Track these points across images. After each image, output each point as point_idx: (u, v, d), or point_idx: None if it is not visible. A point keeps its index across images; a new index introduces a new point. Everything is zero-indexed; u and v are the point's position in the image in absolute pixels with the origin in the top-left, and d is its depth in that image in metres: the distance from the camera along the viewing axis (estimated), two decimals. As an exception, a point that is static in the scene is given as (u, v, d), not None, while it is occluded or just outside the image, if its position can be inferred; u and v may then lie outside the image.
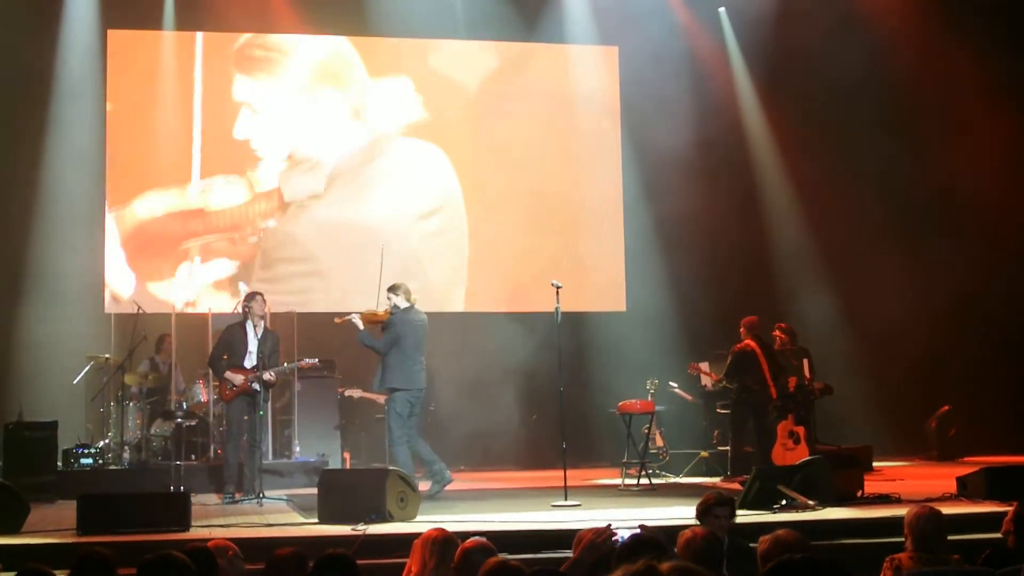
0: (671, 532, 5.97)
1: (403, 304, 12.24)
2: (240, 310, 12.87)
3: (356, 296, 14.33)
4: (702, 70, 17.21)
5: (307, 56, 16.69)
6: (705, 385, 14.53)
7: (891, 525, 9.49)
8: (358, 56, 16.77)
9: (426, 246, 16.69)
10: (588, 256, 17.03)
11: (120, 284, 15.87)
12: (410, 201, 16.68)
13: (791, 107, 17.03)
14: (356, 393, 14.45)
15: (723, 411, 14.37)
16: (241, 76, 16.44)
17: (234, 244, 16.23)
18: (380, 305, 12.46)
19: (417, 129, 16.79)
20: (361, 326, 12.27)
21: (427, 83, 16.88)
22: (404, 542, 7.46)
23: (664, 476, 13.91)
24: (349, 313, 12.36)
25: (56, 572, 5.18)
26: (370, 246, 14.89)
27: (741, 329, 13.95)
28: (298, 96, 16.61)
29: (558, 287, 11.71)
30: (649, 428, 13.64)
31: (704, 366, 14.15)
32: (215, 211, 16.23)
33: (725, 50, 17.46)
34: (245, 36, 16.44)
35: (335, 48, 16.79)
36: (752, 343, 13.72)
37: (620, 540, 5.40)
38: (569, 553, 5.41)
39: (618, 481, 13.28)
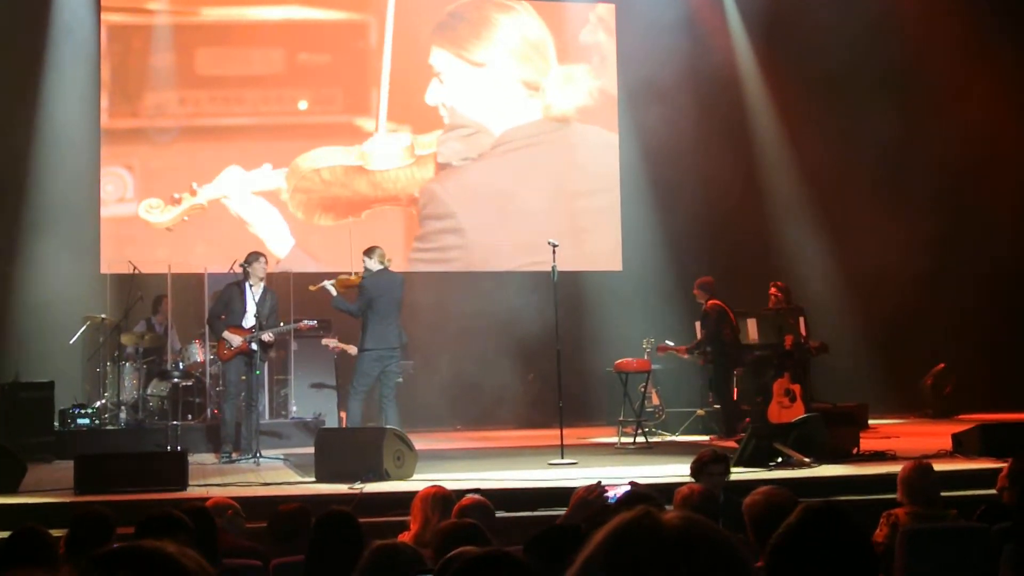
0: (666, 489, 5.99)
1: (376, 267, 12.34)
2: (239, 269, 12.85)
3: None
4: (700, 30, 17.11)
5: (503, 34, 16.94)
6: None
7: (886, 482, 9.52)
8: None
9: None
10: (584, 215, 17.01)
11: (277, 241, 16.04)
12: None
13: (789, 68, 16.96)
14: (332, 343, 14.43)
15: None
16: (437, 48, 16.72)
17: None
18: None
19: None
20: (334, 292, 12.42)
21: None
22: (401, 500, 7.52)
23: (660, 434, 13.95)
24: (324, 281, 12.52)
25: (53, 531, 5.20)
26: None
27: (697, 290, 14.11)
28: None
29: (555, 246, 11.71)
30: (645, 386, 13.68)
31: (670, 344, 14.12)
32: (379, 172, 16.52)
33: (723, 10, 17.35)
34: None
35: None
36: (718, 301, 13.88)
37: (611, 498, 5.44)
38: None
39: (615, 440, 13.32)
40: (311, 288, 12.56)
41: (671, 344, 14.14)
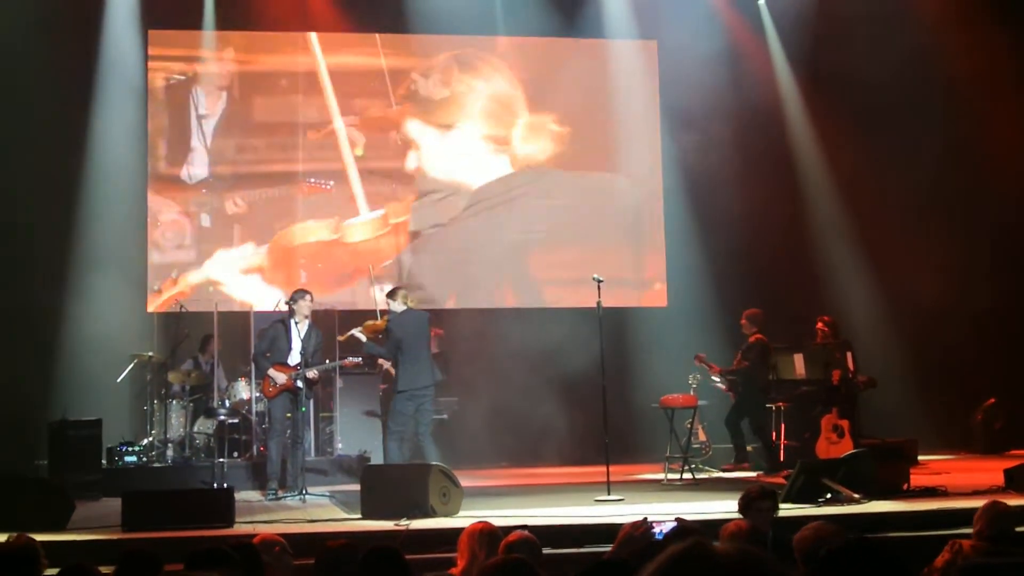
0: (714, 526, 5.94)
1: (400, 308, 12.43)
2: (284, 308, 12.92)
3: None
4: (742, 62, 17.09)
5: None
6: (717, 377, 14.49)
7: (938, 518, 9.44)
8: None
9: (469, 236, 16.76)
10: (629, 251, 16.98)
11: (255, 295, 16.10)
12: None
13: (832, 98, 16.88)
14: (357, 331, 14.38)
15: (766, 405, 14.31)
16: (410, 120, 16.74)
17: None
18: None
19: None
20: (363, 338, 12.63)
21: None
22: (447, 537, 7.49)
23: (707, 471, 13.84)
24: (352, 329, 12.75)
25: (102, 568, 5.21)
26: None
27: (744, 320, 14.11)
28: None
29: (600, 281, 11.71)
30: (692, 422, 13.61)
31: (703, 357, 14.07)
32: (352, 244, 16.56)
33: (765, 42, 17.32)
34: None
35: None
36: (763, 336, 13.92)
37: (658, 534, 5.41)
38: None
39: (661, 476, 13.24)
40: (340, 339, 12.70)
41: (707, 361, 14.04)
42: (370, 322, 12.88)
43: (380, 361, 13.32)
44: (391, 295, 12.61)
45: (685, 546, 1.82)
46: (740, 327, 14.32)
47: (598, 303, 11.77)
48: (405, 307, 12.46)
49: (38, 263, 14.84)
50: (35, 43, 14.55)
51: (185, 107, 16.21)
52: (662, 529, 5.65)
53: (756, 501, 6.71)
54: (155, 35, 16.04)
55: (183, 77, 16.24)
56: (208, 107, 16.25)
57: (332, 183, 16.38)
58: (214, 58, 16.29)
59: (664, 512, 9.02)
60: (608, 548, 5.77)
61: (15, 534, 5.90)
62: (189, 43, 16.26)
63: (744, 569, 1.80)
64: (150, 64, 16.00)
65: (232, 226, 16.21)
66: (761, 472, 13.68)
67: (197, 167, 16.19)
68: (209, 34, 16.16)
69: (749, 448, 14.24)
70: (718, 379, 14.26)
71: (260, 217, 16.25)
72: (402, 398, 12.25)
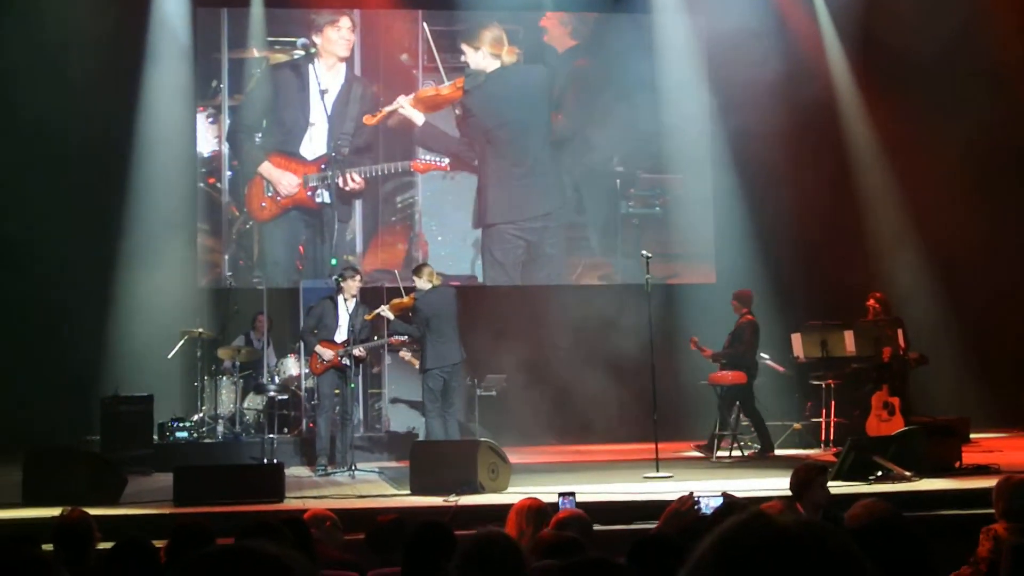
0: (762, 503, 5.89)
1: (426, 286, 12.46)
2: (333, 283, 12.96)
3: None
4: (792, 39, 16.90)
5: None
6: (797, 356, 14.34)
7: (991, 496, 9.34)
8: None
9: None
10: (678, 228, 16.90)
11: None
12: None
13: (884, 74, 16.66)
14: (407, 355, 14.48)
15: (816, 382, 14.21)
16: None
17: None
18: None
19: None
20: (391, 316, 12.63)
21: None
22: (496, 513, 7.48)
23: (756, 448, 13.76)
24: (378, 308, 12.73)
25: (154, 542, 5.25)
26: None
27: (734, 301, 13.99)
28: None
29: (648, 257, 11.68)
30: (740, 399, 13.53)
31: (696, 341, 13.85)
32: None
33: (815, 16, 17.12)
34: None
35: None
36: (753, 317, 13.82)
37: (703, 509, 5.39)
38: (662, 524, 5.37)
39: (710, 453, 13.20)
40: (367, 318, 12.68)
41: (700, 345, 13.82)
42: (396, 300, 12.88)
43: (395, 340, 13.28)
44: (416, 272, 12.63)
45: (745, 516, 1.79)
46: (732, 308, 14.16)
47: (647, 279, 11.74)
48: (431, 284, 12.48)
49: (89, 239, 14.93)
50: (88, 26, 14.63)
51: (290, 84, 16.38)
52: (709, 504, 5.62)
53: (818, 477, 6.64)
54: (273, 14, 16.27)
55: (303, 54, 16.36)
56: (327, 83, 16.38)
57: (447, 160, 16.43)
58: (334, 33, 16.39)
59: (712, 489, 8.98)
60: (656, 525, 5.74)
61: (69, 508, 5.95)
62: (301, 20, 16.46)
63: (806, 537, 1.77)
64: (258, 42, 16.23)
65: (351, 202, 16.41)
66: (815, 450, 13.60)
67: (316, 143, 16.35)
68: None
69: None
70: (713, 361, 14.04)
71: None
72: (431, 375, 12.28)
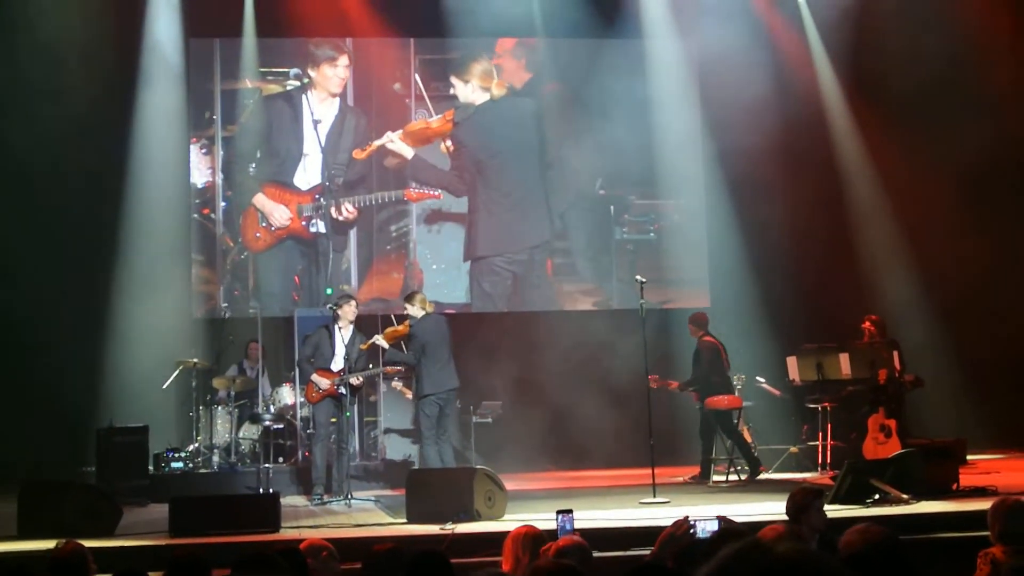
0: (760, 528, 5.88)
1: (419, 313, 12.50)
2: (329, 311, 12.97)
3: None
4: (782, 62, 16.96)
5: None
6: (793, 380, 14.32)
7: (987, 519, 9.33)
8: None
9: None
10: (671, 251, 16.92)
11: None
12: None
13: (874, 97, 16.71)
14: (398, 386, 14.51)
15: (812, 405, 14.19)
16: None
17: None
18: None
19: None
20: (386, 345, 12.63)
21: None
22: (493, 541, 7.46)
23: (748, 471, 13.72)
24: (373, 338, 12.70)
25: (150, 574, 5.23)
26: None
27: (691, 325, 13.95)
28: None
29: (642, 282, 11.69)
30: (737, 423, 13.51)
31: (656, 378, 13.59)
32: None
33: (806, 40, 17.17)
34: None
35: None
36: (711, 338, 13.74)
37: (699, 533, 5.37)
38: (658, 551, 5.35)
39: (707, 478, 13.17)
40: (362, 347, 12.67)
41: (656, 378, 13.36)
42: (391, 329, 12.88)
43: (390, 370, 13.26)
44: (409, 300, 12.65)
45: (743, 545, 1.79)
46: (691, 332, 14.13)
47: (641, 304, 11.74)
48: (424, 311, 12.51)
49: (84, 269, 14.92)
50: (80, 50, 14.67)
51: (283, 115, 16.44)
52: (705, 528, 5.61)
53: (815, 501, 6.61)
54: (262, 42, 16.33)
55: (297, 84, 16.44)
56: (320, 114, 16.46)
57: (439, 190, 16.50)
58: (328, 64, 16.48)
59: (710, 515, 8.96)
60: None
61: (64, 540, 5.93)
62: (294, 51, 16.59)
63: (803, 568, 1.76)
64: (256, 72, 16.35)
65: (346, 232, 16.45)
66: (813, 474, 13.57)
67: (310, 173, 16.39)
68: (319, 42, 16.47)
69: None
70: (682, 392, 13.95)
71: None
72: (428, 402, 12.29)
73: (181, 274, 15.78)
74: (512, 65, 16.95)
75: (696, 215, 17.05)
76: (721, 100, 16.42)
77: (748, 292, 16.24)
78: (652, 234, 17.07)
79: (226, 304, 15.57)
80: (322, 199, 15.99)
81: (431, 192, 16.30)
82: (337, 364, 12.49)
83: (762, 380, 14.60)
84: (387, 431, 14.74)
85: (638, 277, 11.96)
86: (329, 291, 15.47)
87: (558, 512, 6.63)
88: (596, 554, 7.18)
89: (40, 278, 14.60)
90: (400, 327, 12.74)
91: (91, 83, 14.75)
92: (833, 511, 8.67)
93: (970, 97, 16.30)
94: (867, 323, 14.14)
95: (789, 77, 16.86)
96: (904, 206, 16.49)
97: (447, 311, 14.60)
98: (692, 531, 5.34)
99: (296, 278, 16.21)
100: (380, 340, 12.58)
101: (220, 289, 16.00)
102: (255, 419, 14.20)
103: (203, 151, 16.26)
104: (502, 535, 5.96)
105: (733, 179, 16.65)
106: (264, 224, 16.13)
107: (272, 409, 14.22)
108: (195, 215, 16.13)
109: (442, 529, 9.29)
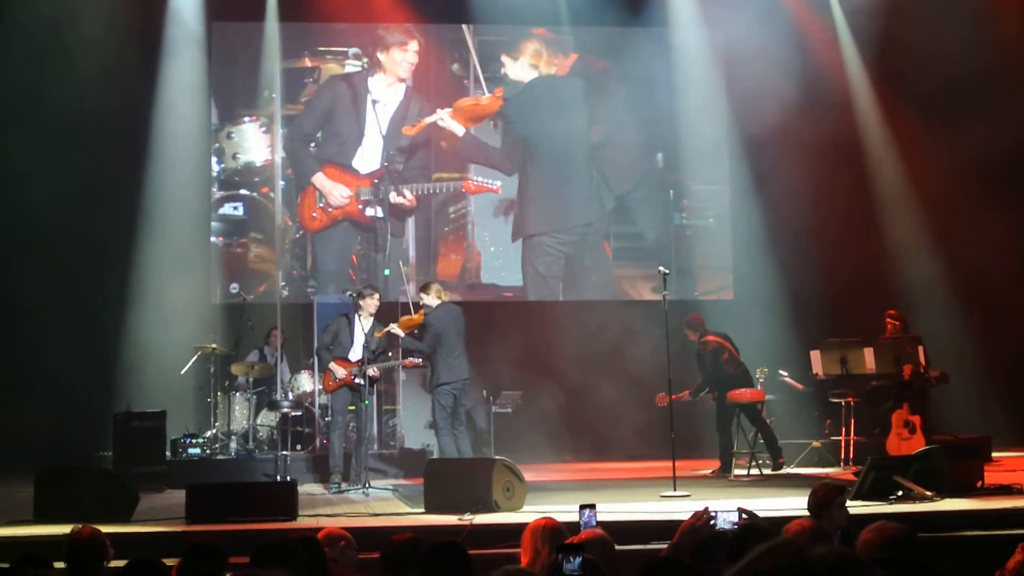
0: (782, 522, 5.79)
1: (435, 302, 12.45)
2: (349, 299, 12.92)
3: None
4: (810, 55, 16.80)
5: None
6: (816, 374, 14.19)
7: (1014, 516, 9.22)
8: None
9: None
10: (696, 244, 16.84)
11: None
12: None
13: (902, 92, 16.55)
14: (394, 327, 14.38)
15: (835, 400, 14.07)
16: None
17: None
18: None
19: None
20: (401, 333, 12.54)
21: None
22: (511, 532, 7.38)
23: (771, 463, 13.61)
24: (388, 326, 12.61)
25: (166, 560, 5.18)
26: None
27: (686, 329, 13.76)
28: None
29: (665, 274, 11.61)
30: (760, 412, 13.40)
31: (663, 396, 13.38)
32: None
33: (835, 34, 17.01)
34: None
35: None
36: (714, 336, 13.60)
37: (719, 524, 5.31)
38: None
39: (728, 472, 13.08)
40: (376, 335, 12.59)
41: (668, 395, 12.49)
42: (406, 317, 12.85)
43: (408, 363, 13.15)
44: (424, 289, 12.62)
45: (775, 544, 1.69)
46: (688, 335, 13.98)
47: (664, 296, 11.66)
48: (439, 301, 12.46)
49: (103, 255, 14.90)
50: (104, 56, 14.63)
51: (345, 97, 16.45)
52: (725, 519, 5.52)
53: (837, 497, 6.52)
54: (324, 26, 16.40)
55: (358, 65, 16.48)
56: (385, 98, 16.47)
57: (499, 183, 16.48)
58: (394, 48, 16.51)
59: (730, 508, 8.87)
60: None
61: (81, 525, 5.88)
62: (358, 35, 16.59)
63: (838, 573, 1.66)
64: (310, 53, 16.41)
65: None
66: (835, 469, 13.45)
67: (369, 157, 16.40)
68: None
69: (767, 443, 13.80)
70: (695, 399, 13.81)
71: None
72: (443, 391, 12.27)
73: (200, 259, 15.75)
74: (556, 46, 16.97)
75: (722, 208, 16.96)
76: (747, 93, 16.30)
77: (772, 284, 16.13)
78: (711, 220, 17.09)
79: (284, 284, 15.63)
80: (381, 184, 16.01)
81: (490, 185, 16.32)
82: (356, 354, 12.43)
83: (785, 374, 14.48)
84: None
85: (661, 268, 11.89)
86: (387, 272, 15.51)
87: (581, 507, 6.53)
88: (616, 547, 7.11)
89: (60, 262, 14.59)
90: (415, 316, 12.70)
91: (115, 71, 14.73)
92: (855, 507, 8.57)
93: (998, 89, 16.14)
94: (889, 318, 14.03)
95: (817, 68, 16.71)
96: (931, 199, 16.36)
97: (505, 294, 14.56)
98: (712, 522, 5.27)
99: (354, 258, 16.26)
100: (395, 328, 12.52)
101: (279, 270, 16.03)
102: (273, 406, 14.15)
103: (262, 129, 16.31)
104: (520, 527, 5.88)
105: (758, 171, 16.54)
106: (322, 204, 16.21)
107: (290, 396, 14.18)
108: (254, 193, 16.22)
109: (460, 520, 9.21)
